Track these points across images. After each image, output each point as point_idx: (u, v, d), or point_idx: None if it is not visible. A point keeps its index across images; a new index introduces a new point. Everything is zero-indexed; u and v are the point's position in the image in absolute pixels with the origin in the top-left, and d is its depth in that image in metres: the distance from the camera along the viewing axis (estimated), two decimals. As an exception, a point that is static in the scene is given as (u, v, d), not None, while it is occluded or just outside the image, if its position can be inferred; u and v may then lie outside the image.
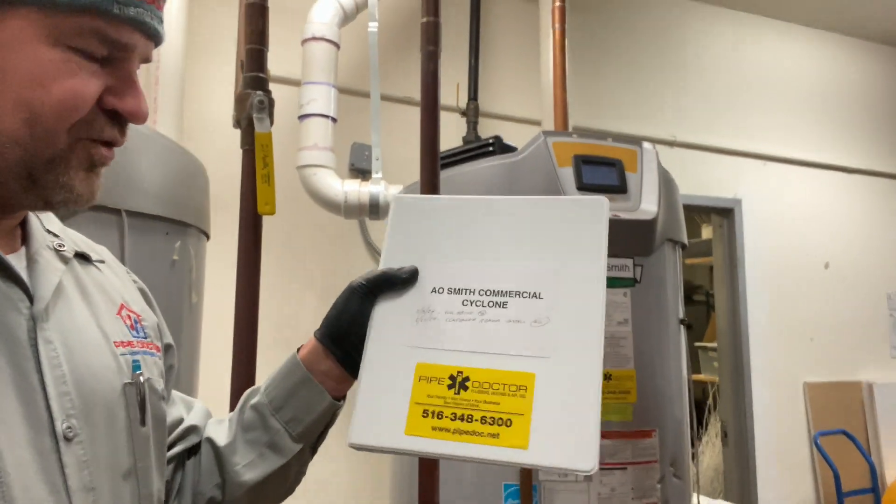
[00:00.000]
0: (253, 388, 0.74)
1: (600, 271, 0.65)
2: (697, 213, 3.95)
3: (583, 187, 1.66)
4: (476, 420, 0.59)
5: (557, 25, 1.94)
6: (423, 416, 0.61)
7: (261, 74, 1.16)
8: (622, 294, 1.68)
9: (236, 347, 1.21)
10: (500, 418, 0.59)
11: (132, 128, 1.48)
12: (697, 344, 4.46)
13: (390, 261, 0.70)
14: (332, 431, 0.73)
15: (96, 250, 0.68)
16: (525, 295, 0.65)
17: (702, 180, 3.59)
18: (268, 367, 0.83)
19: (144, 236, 1.39)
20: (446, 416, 0.60)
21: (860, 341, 3.88)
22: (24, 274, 0.54)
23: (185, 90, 2.33)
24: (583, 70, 3.29)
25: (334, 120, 2.29)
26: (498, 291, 0.65)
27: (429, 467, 1.27)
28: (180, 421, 0.74)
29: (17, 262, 0.54)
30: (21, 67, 0.49)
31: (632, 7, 3.53)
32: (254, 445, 0.70)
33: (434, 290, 0.67)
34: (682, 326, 1.87)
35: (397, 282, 0.67)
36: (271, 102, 1.15)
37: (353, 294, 0.68)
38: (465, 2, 2.99)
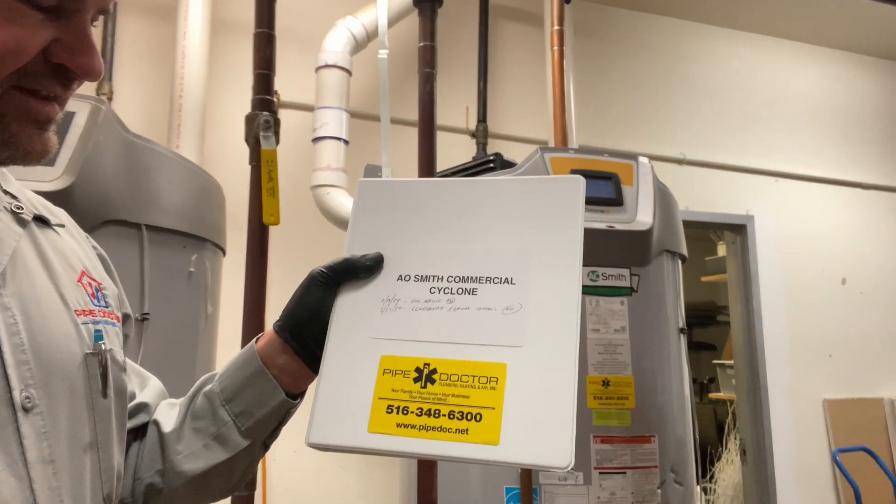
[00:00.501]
0: (211, 373, 0.69)
1: (576, 254, 0.60)
2: (710, 229, 3.97)
3: (579, 200, 1.73)
4: (444, 415, 0.56)
5: (556, 48, 2.03)
6: (388, 412, 0.57)
7: (267, 97, 1.26)
8: (619, 302, 1.73)
9: (245, 350, 1.28)
10: (470, 413, 0.55)
11: (153, 150, 1.59)
12: (716, 362, 4.43)
13: (354, 247, 0.65)
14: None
15: (55, 213, 0.64)
16: (496, 280, 0.61)
17: (713, 197, 3.62)
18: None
19: (163, 249, 1.49)
20: (412, 412, 0.56)
21: (880, 357, 3.83)
22: None
23: (206, 115, 2.46)
24: (591, 91, 3.37)
25: (346, 142, 2.40)
26: (467, 278, 0.61)
27: (427, 465, 1.33)
28: (132, 397, 0.69)
29: None
30: None
31: (639, 30, 3.62)
32: (200, 435, 0.66)
33: (400, 278, 0.63)
34: (682, 335, 1.91)
35: (361, 269, 0.63)
36: (276, 122, 1.25)
37: (313, 283, 0.63)
38: (473, 29, 3.11)
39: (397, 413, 0.57)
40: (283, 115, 2.79)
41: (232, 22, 2.71)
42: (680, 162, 3.59)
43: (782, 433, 3.46)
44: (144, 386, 0.72)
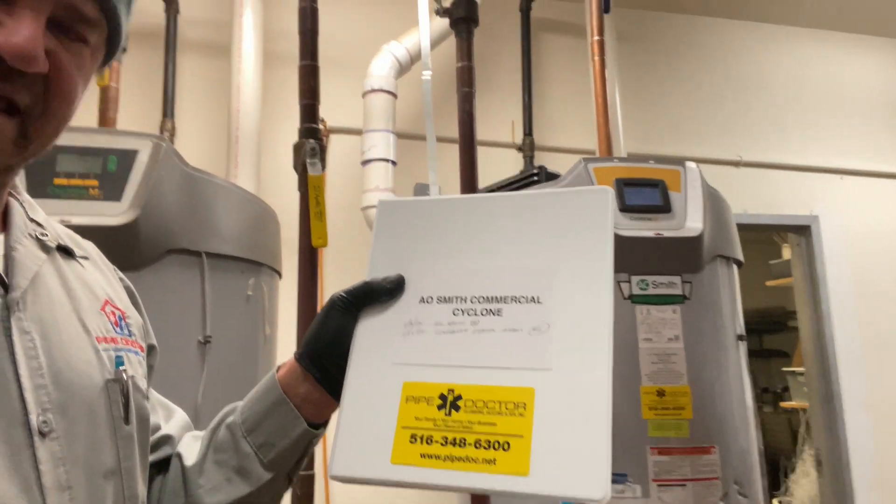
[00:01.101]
0: (233, 404, 0.68)
1: (606, 269, 0.57)
2: (772, 232, 3.84)
3: (626, 209, 1.72)
4: (470, 444, 0.53)
5: (597, 58, 2.03)
6: (411, 442, 0.54)
7: (313, 125, 1.32)
8: (671, 311, 1.70)
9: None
10: (497, 441, 0.52)
11: (210, 182, 1.67)
12: (785, 369, 4.26)
13: (375, 270, 0.63)
14: None
15: (82, 246, 0.64)
16: (522, 300, 0.58)
17: (774, 199, 3.51)
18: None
19: (222, 275, 1.56)
20: (436, 441, 0.54)
21: (967, 360, 3.59)
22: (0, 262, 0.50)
23: (261, 145, 2.58)
24: (639, 98, 3.34)
25: (394, 163, 2.46)
26: (492, 298, 0.59)
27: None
28: (157, 428, 0.68)
29: None
30: None
31: (685, 33, 3.57)
32: (222, 468, 0.64)
33: (422, 300, 0.61)
34: (741, 343, 1.86)
35: (381, 292, 0.61)
36: (322, 149, 1.30)
37: (332, 308, 0.61)
38: (516, 43, 3.14)
39: (421, 442, 0.54)
40: (333, 139, 2.90)
41: (282, 55, 2.83)
42: (736, 164, 3.50)
43: (860, 443, 3.28)
44: (170, 418, 0.71)
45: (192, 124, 2.79)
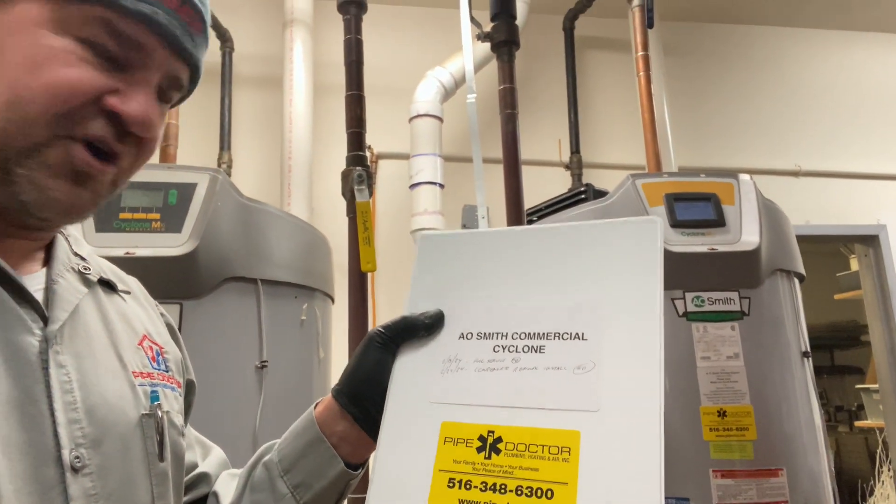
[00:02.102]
0: (271, 442, 0.66)
1: (655, 304, 0.53)
2: (837, 243, 3.68)
3: (676, 224, 1.69)
4: (511, 491, 0.49)
5: (642, 73, 2.01)
6: (449, 486, 0.51)
7: (360, 153, 1.35)
8: (730, 328, 1.65)
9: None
10: (540, 488, 0.49)
11: (264, 211, 1.72)
12: (860, 386, 4.04)
13: (415, 305, 0.62)
14: None
15: (125, 281, 0.64)
16: (565, 336, 0.55)
17: (837, 208, 3.37)
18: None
19: (277, 300, 1.61)
20: (475, 486, 0.51)
21: None
22: (39, 295, 0.51)
23: (313, 173, 2.65)
24: (688, 111, 3.28)
25: (442, 186, 2.49)
26: (534, 334, 0.56)
27: None
28: (194, 466, 0.68)
29: (33, 282, 0.51)
30: (19, 51, 0.46)
31: (733, 43, 3.49)
32: None
33: (462, 336, 0.58)
34: (806, 360, 1.78)
35: (420, 328, 0.59)
36: (369, 175, 1.33)
37: (370, 344, 0.60)
38: (561, 62, 3.14)
39: (459, 487, 0.51)
40: (381, 164, 2.96)
41: (330, 85, 2.91)
42: (795, 174, 3.38)
43: (947, 464, 3.08)
44: (206, 455, 0.70)
45: (248, 155, 2.89)
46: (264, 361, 1.52)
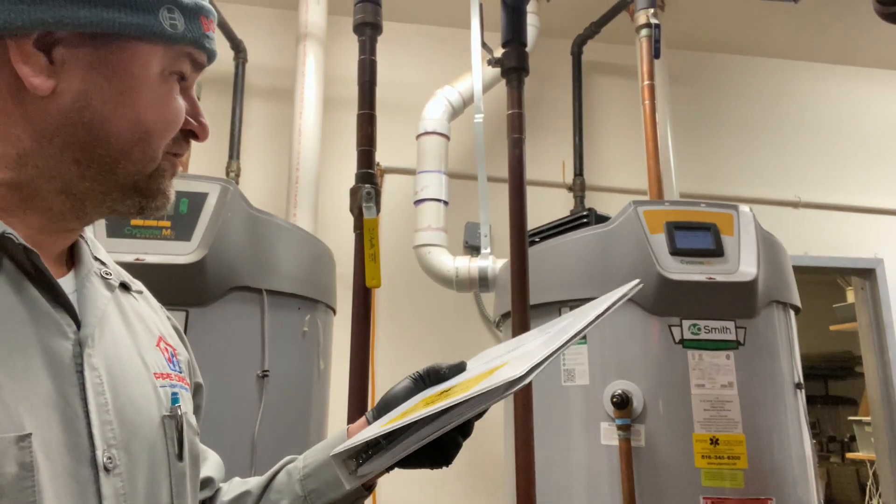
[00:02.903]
0: (294, 456, 0.73)
1: (571, 330, 0.62)
2: (834, 274, 3.71)
3: (676, 252, 1.72)
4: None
5: (648, 101, 2.05)
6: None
7: (369, 171, 1.39)
8: (725, 356, 1.68)
9: (350, 408, 1.38)
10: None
11: (271, 222, 1.75)
12: (852, 418, 4.06)
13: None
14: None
15: (135, 282, 0.67)
16: (515, 352, 0.70)
17: (836, 241, 3.41)
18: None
19: (280, 311, 1.63)
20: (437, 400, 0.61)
21: None
22: (72, 298, 0.53)
23: (320, 185, 2.68)
24: (692, 139, 3.32)
25: (446, 203, 2.52)
26: (501, 356, 0.70)
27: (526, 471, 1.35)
28: None
29: (65, 287, 0.53)
30: (143, 93, 0.53)
31: (738, 73, 3.54)
32: None
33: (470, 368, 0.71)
34: (799, 391, 1.80)
35: (443, 369, 0.69)
36: (377, 193, 1.36)
37: (406, 378, 0.69)
38: (568, 85, 3.19)
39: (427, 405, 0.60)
40: (387, 179, 3.00)
41: (340, 99, 2.96)
42: (795, 205, 3.42)
43: (937, 500, 3.09)
44: (205, 460, 0.73)
45: (256, 165, 2.93)
46: (265, 371, 1.54)
